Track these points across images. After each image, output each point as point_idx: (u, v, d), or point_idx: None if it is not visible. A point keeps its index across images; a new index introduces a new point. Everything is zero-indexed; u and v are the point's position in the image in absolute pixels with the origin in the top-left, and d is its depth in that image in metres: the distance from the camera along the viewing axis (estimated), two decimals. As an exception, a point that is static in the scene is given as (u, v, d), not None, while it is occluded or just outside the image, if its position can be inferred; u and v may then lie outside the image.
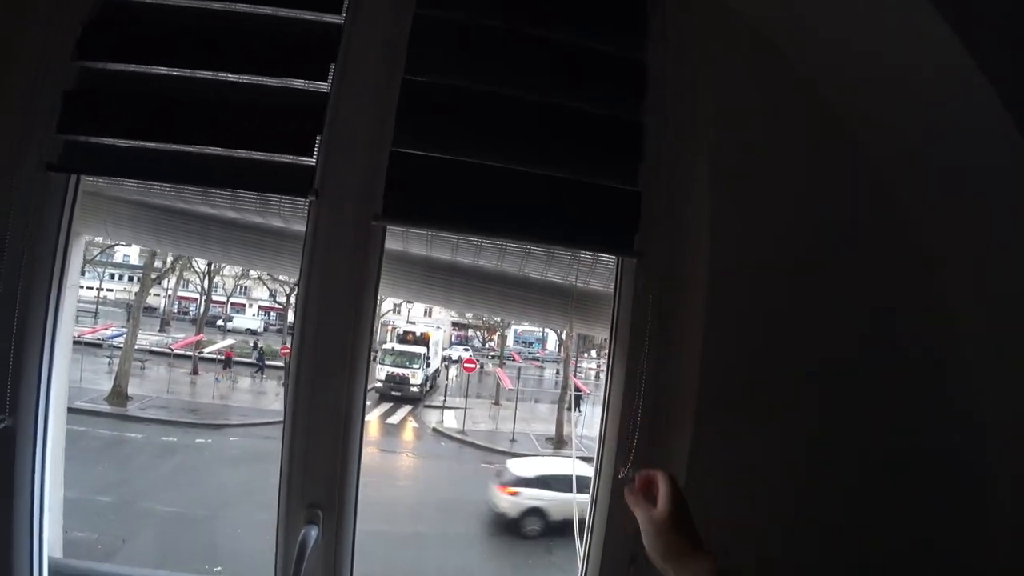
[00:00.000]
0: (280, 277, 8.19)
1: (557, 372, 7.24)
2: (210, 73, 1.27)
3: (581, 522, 1.46)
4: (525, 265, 1.43)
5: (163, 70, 1.26)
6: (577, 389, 6.63)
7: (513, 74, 1.28)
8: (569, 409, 6.67)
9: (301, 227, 1.35)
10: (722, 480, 1.26)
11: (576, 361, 6.83)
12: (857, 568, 1.30)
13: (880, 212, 1.29)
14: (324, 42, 1.24)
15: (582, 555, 1.39)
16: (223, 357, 7.28)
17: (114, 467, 5.70)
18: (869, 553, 1.28)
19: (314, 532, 1.20)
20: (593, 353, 6.82)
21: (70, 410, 1.43)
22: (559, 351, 7.28)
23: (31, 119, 1.24)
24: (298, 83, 1.26)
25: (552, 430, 6.60)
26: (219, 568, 4.55)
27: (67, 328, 1.39)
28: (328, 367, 1.23)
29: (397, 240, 1.39)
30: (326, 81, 1.25)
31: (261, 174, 1.24)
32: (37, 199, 1.25)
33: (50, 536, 1.35)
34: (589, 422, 6.74)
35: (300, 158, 1.23)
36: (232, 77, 1.26)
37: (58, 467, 1.34)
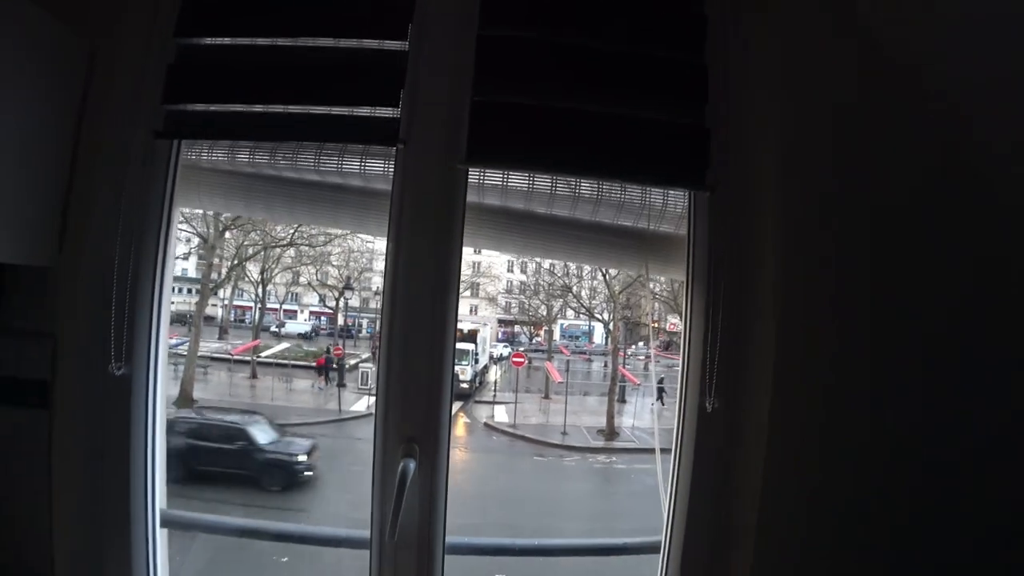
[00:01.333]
0: (328, 282, 8.44)
1: (605, 364, 7.18)
2: (297, 40, 1.36)
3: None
4: (596, 212, 1.47)
5: (259, 41, 1.37)
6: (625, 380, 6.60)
7: (581, 24, 1.32)
8: (622, 401, 6.63)
9: (382, 186, 1.43)
10: (809, 409, 1.25)
11: (624, 352, 6.77)
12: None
13: (959, 146, 1.26)
14: (401, 4, 1.32)
15: (668, 503, 1.40)
16: (315, 365, 7.52)
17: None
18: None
19: (412, 465, 1.25)
20: (640, 344, 6.74)
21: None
22: (606, 344, 7.23)
23: (138, 94, 1.36)
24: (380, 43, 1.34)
25: (603, 422, 6.57)
26: (285, 558, 4.70)
27: (168, 291, 1.49)
28: (419, 307, 1.29)
29: (473, 193, 1.44)
30: (405, 40, 1.32)
31: (351, 127, 1.33)
32: (146, 167, 1.37)
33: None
34: (640, 413, 6.69)
35: (386, 110, 1.30)
36: (320, 42, 1.35)
37: (162, 418, 1.44)
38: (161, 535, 1.44)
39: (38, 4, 1.21)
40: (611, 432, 6.44)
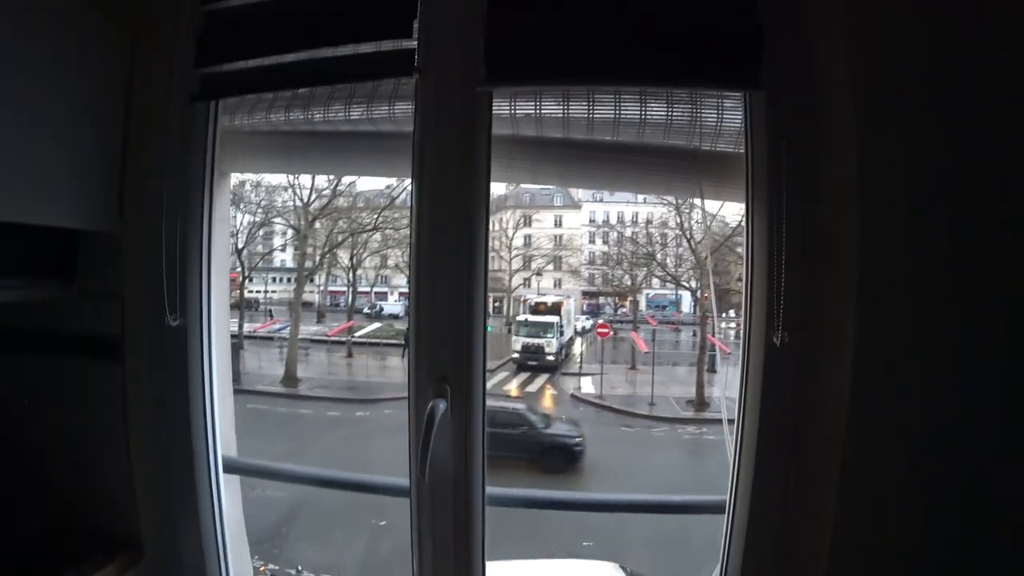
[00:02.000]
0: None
1: (694, 334, 6.84)
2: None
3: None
4: (642, 135, 1.32)
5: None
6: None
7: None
8: (712, 371, 6.29)
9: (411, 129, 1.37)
10: (893, 347, 1.05)
11: (713, 320, 6.40)
12: None
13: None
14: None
15: (734, 449, 1.26)
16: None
17: (292, 439, 6.46)
18: None
19: (442, 405, 1.20)
20: (732, 312, 6.33)
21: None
22: (694, 313, 6.88)
23: (175, 65, 1.40)
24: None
25: (692, 392, 6.28)
26: (384, 522, 4.93)
27: (220, 248, 1.53)
28: (447, 242, 1.23)
29: (507, 126, 1.35)
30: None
31: (368, 65, 1.28)
32: (186, 130, 1.41)
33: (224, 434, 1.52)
34: (731, 383, 6.31)
35: (402, 42, 1.24)
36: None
37: (225, 368, 1.49)
38: (228, 481, 1.51)
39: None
40: (700, 402, 6.13)
